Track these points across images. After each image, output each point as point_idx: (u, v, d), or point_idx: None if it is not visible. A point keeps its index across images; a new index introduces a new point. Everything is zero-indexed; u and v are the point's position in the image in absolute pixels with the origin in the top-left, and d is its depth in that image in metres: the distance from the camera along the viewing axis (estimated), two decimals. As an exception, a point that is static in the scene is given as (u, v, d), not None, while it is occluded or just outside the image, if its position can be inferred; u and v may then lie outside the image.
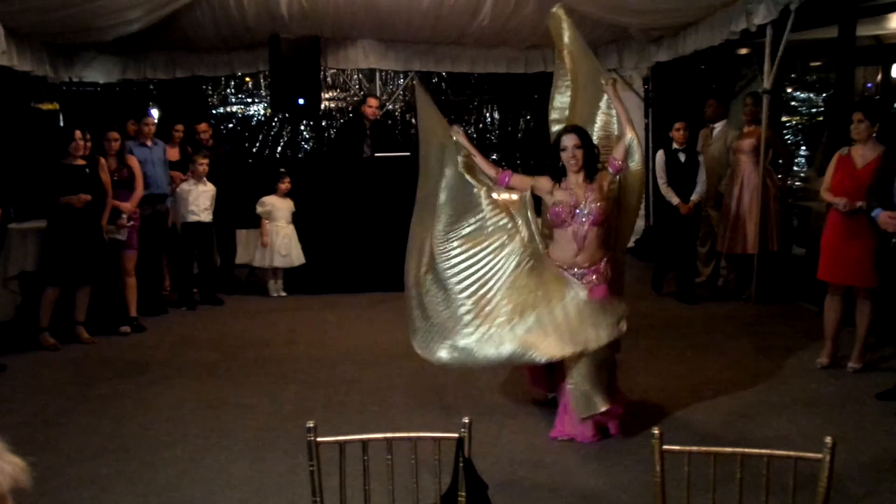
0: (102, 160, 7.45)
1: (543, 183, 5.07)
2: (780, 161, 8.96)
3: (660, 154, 8.69)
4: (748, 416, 5.33)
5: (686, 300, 8.67)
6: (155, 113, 9.98)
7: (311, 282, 9.38)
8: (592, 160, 5.00)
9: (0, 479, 1.15)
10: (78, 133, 7.13)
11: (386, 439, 2.34)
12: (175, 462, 4.73)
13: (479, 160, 5.19)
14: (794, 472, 2.20)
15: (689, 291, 8.78)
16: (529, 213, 5.02)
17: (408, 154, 8.96)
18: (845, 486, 4.19)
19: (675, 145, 8.52)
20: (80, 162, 7.15)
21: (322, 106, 11.29)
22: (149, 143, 8.39)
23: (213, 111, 11.58)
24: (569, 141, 4.94)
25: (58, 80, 10.22)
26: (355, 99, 11.69)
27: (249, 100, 11.88)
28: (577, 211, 4.88)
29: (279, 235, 9.28)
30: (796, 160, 10.60)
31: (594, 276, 4.89)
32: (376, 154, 9.56)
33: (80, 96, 10.69)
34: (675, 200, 8.46)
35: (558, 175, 5.02)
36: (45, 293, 7.18)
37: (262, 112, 11.83)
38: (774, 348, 6.87)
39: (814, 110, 11.53)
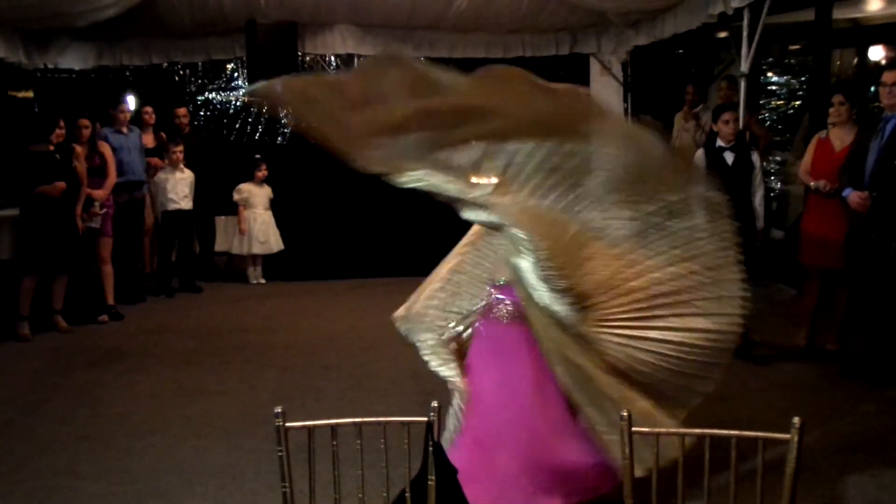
0: (77, 148, 7.38)
1: None
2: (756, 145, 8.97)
3: (698, 155, 6.33)
4: (724, 398, 5.33)
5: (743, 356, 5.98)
6: (131, 99, 9.88)
7: (290, 268, 9.36)
8: None
9: None
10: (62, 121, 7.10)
11: (355, 424, 2.33)
12: (152, 450, 4.71)
13: None
14: (762, 452, 2.20)
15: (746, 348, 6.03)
16: None
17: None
18: (818, 466, 4.24)
19: (720, 142, 6.26)
20: (49, 148, 7.08)
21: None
22: (124, 129, 8.33)
23: (191, 98, 11.47)
24: None
25: (31, 67, 10.10)
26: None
27: (227, 86, 11.78)
28: None
29: (257, 222, 9.25)
30: (775, 143, 10.63)
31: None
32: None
33: (55, 83, 10.58)
34: None
35: None
36: (23, 282, 7.12)
37: (239, 98, 11.74)
38: (752, 330, 6.88)
39: (792, 94, 11.56)
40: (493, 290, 3.83)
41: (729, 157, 6.15)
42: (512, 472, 3.56)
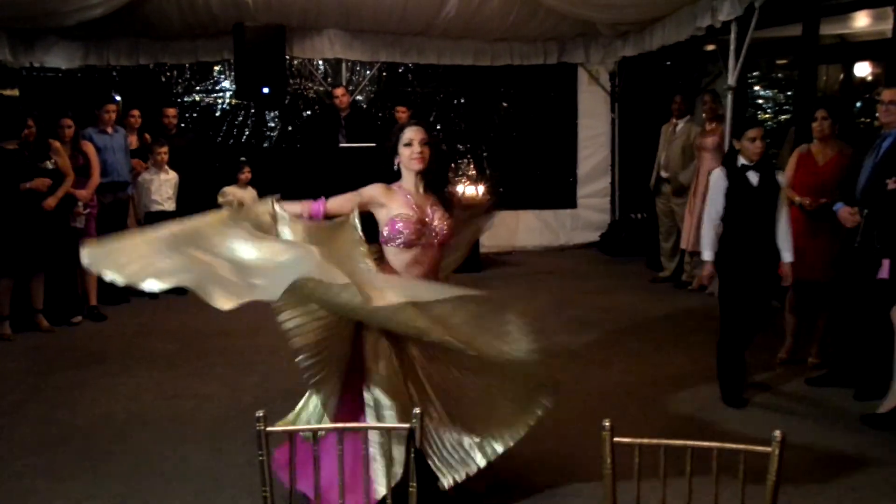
0: (56, 144, 7.34)
1: (373, 193, 4.05)
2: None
3: (717, 174, 5.57)
4: (708, 410, 5.37)
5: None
6: (117, 100, 9.83)
7: (275, 272, 9.32)
8: (440, 167, 4.22)
9: None
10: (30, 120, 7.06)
11: (336, 430, 2.32)
12: (132, 452, 4.68)
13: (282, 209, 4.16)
14: (743, 464, 2.21)
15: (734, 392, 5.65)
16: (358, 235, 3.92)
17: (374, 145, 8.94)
18: (799, 480, 4.24)
19: (742, 160, 5.47)
20: (13, 146, 7.00)
21: (287, 95, 11.21)
22: (109, 130, 8.29)
23: (178, 99, 11.42)
24: (414, 134, 4.05)
25: (17, 66, 10.05)
26: (320, 89, 11.62)
27: (214, 88, 11.74)
28: (424, 229, 4.01)
29: (242, 225, 9.21)
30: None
31: None
32: (347, 144, 9.56)
33: (40, 82, 10.51)
34: (707, 258, 5.63)
35: (391, 179, 4.14)
36: (0, 283, 7.06)
37: (227, 101, 11.70)
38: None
39: (778, 108, 11.62)
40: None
41: (753, 178, 5.43)
42: None
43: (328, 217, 4.09)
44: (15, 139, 6.99)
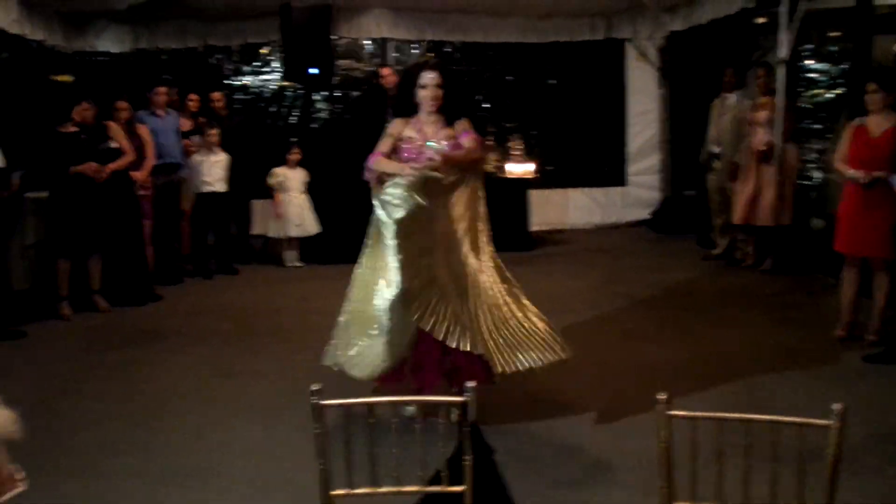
0: (114, 125, 7.44)
1: (398, 129, 4.72)
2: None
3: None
4: (762, 387, 5.30)
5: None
6: (167, 83, 9.94)
7: (326, 251, 9.37)
8: (454, 104, 4.72)
9: None
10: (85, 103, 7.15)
11: (392, 402, 2.33)
12: (187, 429, 4.75)
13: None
14: (802, 438, 2.17)
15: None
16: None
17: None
18: (860, 457, 4.15)
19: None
20: (73, 129, 7.12)
21: (335, 76, 11.23)
22: (161, 112, 8.40)
23: (226, 81, 11.51)
24: (429, 79, 4.60)
25: (70, 50, 10.20)
26: (367, 69, 11.62)
27: (262, 70, 11.80)
28: (426, 147, 4.59)
29: (292, 205, 9.29)
30: (814, 132, 10.46)
31: None
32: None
33: (92, 66, 10.67)
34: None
35: (409, 112, 4.71)
36: (58, 265, 7.20)
37: (275, 82, 11.75)
38: (791, 321, 6.83)
39: (832, 81, 11.37)
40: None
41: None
42: None
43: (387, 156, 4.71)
44: (71, 123, 7.09)
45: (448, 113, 4.69)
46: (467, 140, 4.63)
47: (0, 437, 1.16)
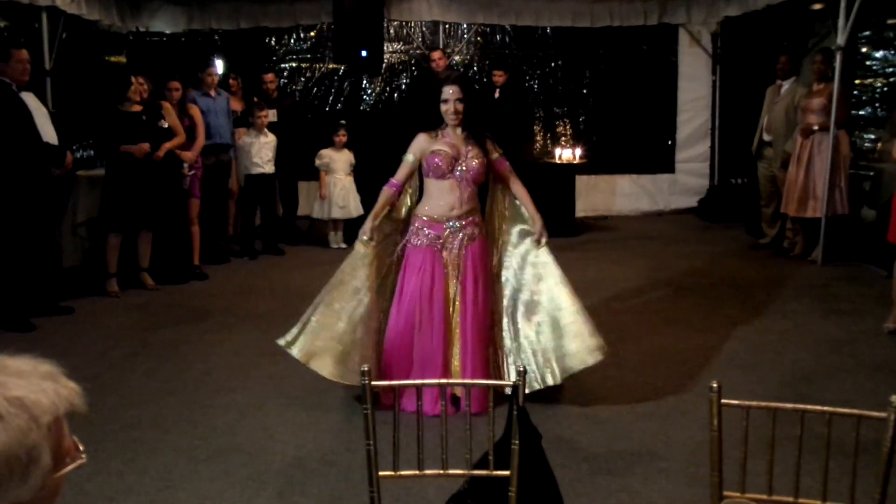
0: (167, 104, 7.52)
1: (420, 145, 4.77)
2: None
3: None
4: (810, 379, 5.23)
5: None
6: (219, 63, 10.02)
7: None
8: (475, 117, 4.76)
9: (57, 402, 1.17)
10: (135, 78, 7.22)
11: (440, 385, 2.33)
12: (234, 407, 4.81)
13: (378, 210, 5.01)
14: (857, 430, 2.14)
15: None
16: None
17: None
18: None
19: None
20: (136, 108, 7.21)
21: (385, 59, 11.24)
22: (212, 93, 8.46)
23: (278, 62, 11.57)
24: (450, 93, 4.65)
25: (124, 31, 10.32)
26: (418, 52, 11.61)
27: (313, 51, 11.84)
28: (457, 164, 4.66)
29: (337, 187, 9.33)
30: (870, 120, 10.26)
31: (470, 230, 4.74)
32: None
33: (146, 46, 10.79)
34: None
35: (434, 126, 4.77)
36: (108, 240, 7.29)
37: (325, 64, 11.79)
38: (840, 312, 6.72)
39: (892, 69, 11.14)
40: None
41: None
42: None
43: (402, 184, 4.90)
44: (129, 102, 7.18)
45: (471, 127, 4.74)
46: (504, 170, 4.84)
47: (66, 410, 1.18)
